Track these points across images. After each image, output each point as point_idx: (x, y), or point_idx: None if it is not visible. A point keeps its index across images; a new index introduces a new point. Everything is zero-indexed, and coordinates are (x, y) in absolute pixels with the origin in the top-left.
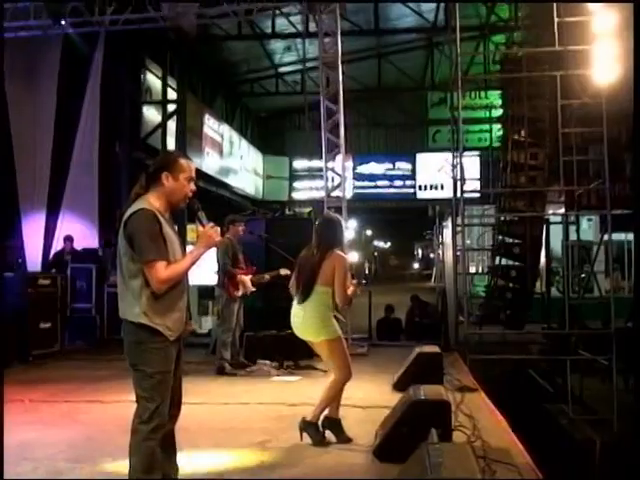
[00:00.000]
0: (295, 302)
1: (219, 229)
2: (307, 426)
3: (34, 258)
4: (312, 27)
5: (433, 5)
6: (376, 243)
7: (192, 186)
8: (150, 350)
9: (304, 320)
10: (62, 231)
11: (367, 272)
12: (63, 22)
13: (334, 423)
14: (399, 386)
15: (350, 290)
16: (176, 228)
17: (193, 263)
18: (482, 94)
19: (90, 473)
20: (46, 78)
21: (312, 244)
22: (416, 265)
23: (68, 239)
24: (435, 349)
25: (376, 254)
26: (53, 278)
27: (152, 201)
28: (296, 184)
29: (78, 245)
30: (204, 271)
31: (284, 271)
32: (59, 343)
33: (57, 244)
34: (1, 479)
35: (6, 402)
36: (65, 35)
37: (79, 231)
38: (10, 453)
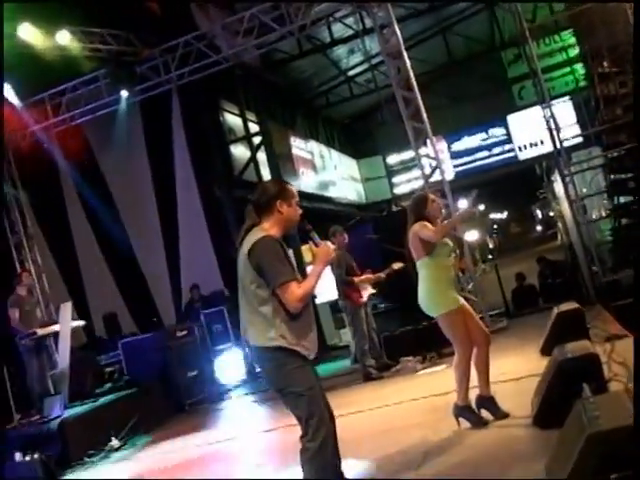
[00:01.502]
0: None
1: (331, 245)
2: (460, 411)
3: (168, 314)
4: (369, 23)
5: None
6: (492, 216)
7: (299, 209)
8: (294, 371)
9: (420, 300)
10: (186, 282)
11: (491, 247)
12: (126, 93)
13: (487, 401)
14: (546, 351)
15: None
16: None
17: (318, 280)
18: (555, 38)
19: None
20: (135, 147)
21: None
22: (539, 227)
23: (194, 287)
24: (574, 305)
25: (495, 226)
26: (189, 328)
27: (268, 229)
28: (395, 179)
29: (205, 290)
30: (327, 287)
31: (397, 265)
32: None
33: (185, 295)
34: None
35: (171, 452)
36: (141, 102)
37: (202, 277)
38: None
